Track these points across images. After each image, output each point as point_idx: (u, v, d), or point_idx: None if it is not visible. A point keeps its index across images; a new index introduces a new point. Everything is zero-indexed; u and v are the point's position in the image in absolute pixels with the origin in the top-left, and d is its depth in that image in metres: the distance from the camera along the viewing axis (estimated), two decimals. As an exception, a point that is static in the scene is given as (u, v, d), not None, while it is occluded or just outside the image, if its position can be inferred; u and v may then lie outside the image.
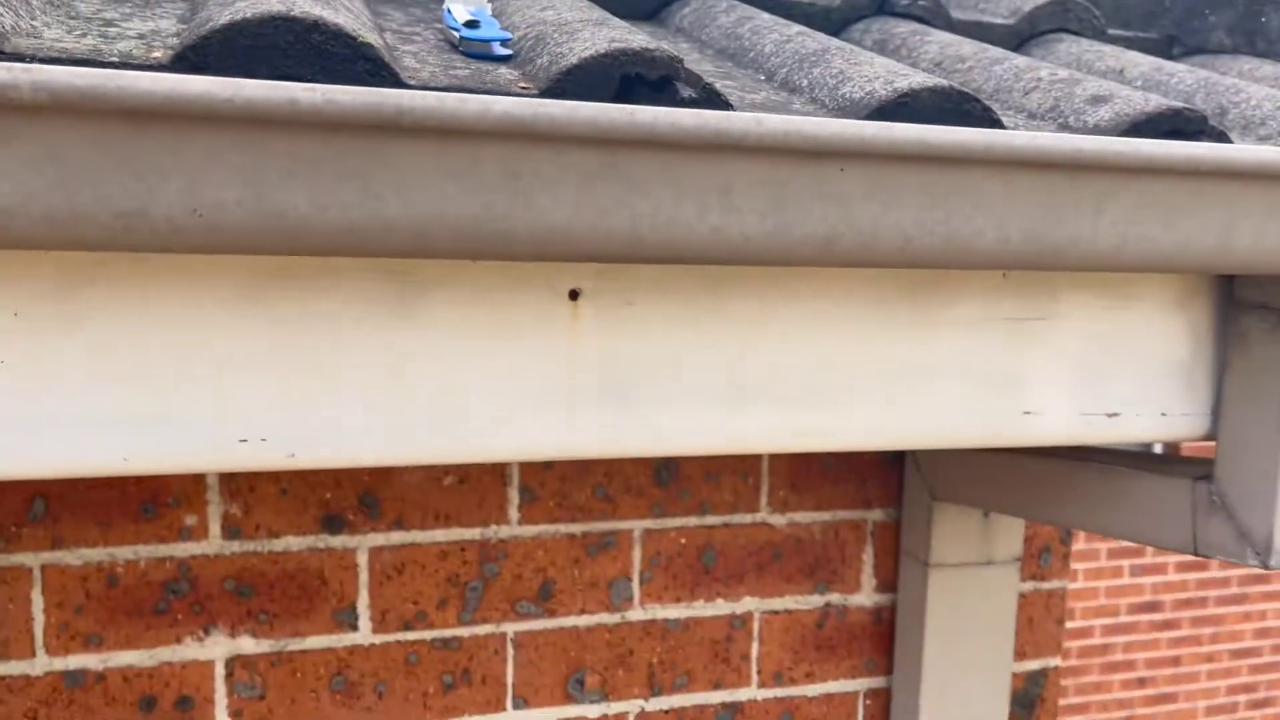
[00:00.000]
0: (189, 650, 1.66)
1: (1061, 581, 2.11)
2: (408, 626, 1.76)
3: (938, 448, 1.40)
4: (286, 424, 1.02)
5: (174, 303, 0.97)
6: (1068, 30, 1.80)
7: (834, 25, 1.69)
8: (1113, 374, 1.31)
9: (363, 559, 1.72)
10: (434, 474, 1.74)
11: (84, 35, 0.99)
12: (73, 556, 1.60)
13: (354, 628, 1.73)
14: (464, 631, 1.79)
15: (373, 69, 0.94)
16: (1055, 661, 2.12)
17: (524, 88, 1.04)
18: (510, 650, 1.82)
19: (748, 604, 1.94)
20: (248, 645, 1.69)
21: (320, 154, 0.83)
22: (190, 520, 1.64)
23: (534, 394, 1.08)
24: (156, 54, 0.94)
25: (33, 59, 0.89)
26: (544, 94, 1.01)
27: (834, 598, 1.99)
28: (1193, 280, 1.33)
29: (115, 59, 0.92)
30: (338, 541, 1.71)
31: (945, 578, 1.91)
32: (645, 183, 0.92)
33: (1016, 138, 1.02)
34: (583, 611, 1.85)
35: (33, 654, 1.60)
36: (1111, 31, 1.86)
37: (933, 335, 1.22)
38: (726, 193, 0.94)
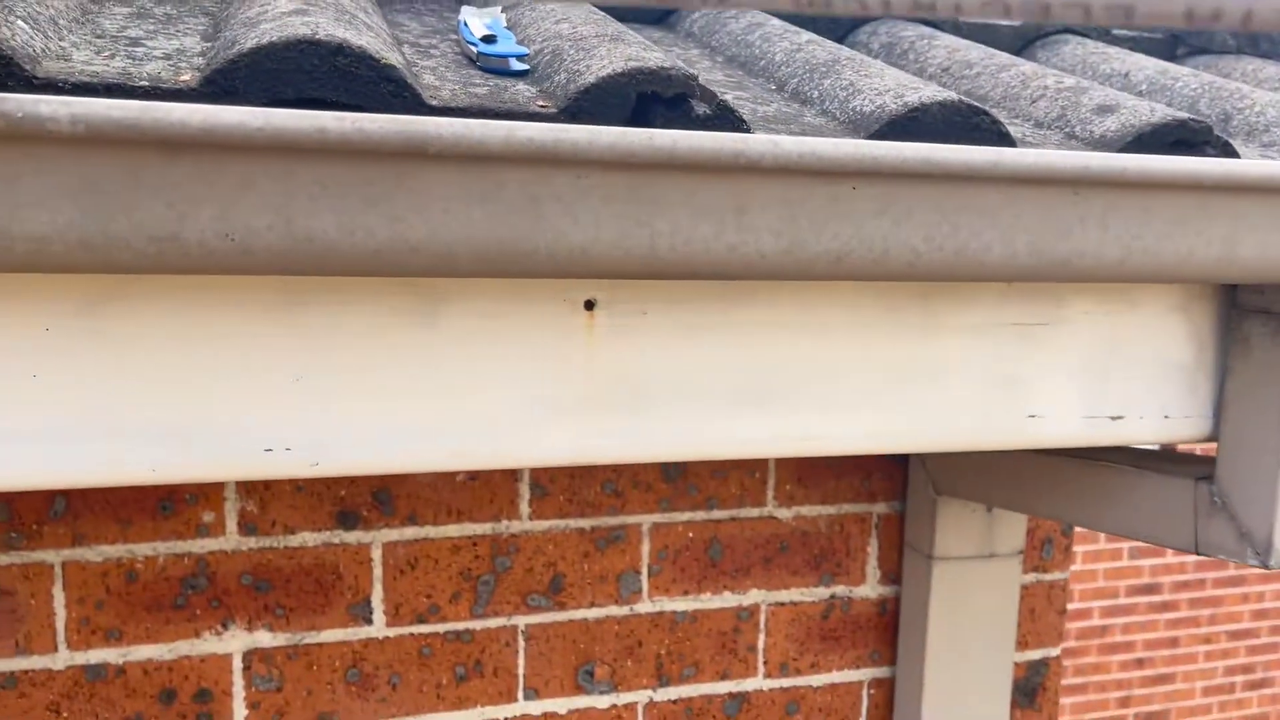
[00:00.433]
0: (207, 644, 1.69)
1: (1063, 573, 2.14)
2: (421, 619, 1.79)
3: (944, 451, 1.42)
4: (310, 433, 1.04)
5: (199, 316, 0.99)
6: (1073, 31, 1.82)
7: (842, 27, 1.70)
8: (1116, 377, 1.33)
9: (377, 554, 1.75)
10: (446, 471, 1.76)
11: (112, 56, 1.01)
12: (93, 553, 1.63)
13: (368, 621, 1.76)
14: (476, 624, 1.82)
15: (395, 90, 0.97)
16: (1056, 651, 2.15)
17: (542, 105, 1.06)
18: (521, 642, 1.85)
19: (754, 596, 1.97)
20: (265, 639, 1.72)
21: (348, 180, 0.85)
22: (208, 517, 1.67)
23: (552, 401, 1.11)
24: (185, 77, 0.96)
25: (65, 84, 0.91)
26: (562, 112, 1.03)
27: (839, 590, 2.02)
28: (1196, 286, 1.35)
29: (145, 82, 0.94)
30: (352, 537, 1.74)
31: (949, 570, 1.94)
32: (664, 204, 0.94)
33: (1024, 156, 1.04)
34: (592, 604, 1.88)
35: (55, 648, 1.63)
36: (1116, 31, 1.88)
37: (939, 341, 1.24)
38: (742, 212, 0.96)
